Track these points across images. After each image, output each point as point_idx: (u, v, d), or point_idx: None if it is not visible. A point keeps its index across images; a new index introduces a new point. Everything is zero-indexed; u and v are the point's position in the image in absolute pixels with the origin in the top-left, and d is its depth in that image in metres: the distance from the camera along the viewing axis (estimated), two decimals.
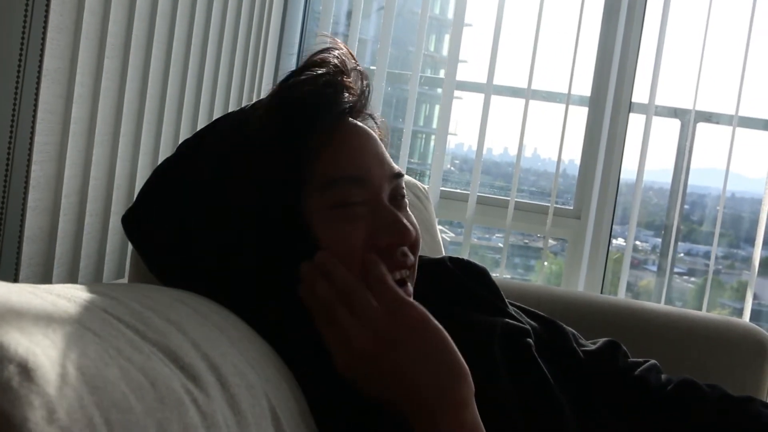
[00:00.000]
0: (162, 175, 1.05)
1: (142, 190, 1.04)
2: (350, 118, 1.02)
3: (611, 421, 1.16)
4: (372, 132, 1.03)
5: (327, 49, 1.03)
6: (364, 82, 1.04)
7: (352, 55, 1.05)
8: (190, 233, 0.97)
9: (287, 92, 0.99)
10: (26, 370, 0.42)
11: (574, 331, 1.27)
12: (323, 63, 1.00)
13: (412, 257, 0.99)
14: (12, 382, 0.41)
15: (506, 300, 1.22)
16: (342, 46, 1.05)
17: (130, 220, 1.03)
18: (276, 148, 0.95)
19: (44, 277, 1.37)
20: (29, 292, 0.55)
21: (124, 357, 0.55)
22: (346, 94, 1.00)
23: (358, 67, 1.04)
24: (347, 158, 0.97)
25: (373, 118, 1.08)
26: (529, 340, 1.14)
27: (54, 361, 0.46)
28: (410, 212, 1.04)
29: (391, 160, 1.02)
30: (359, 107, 1.03)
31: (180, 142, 1.07)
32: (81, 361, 0.49)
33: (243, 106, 1.09)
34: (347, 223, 0.94)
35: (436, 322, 0.88)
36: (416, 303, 0.89)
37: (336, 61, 1.01)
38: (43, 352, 0.45)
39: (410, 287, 0.99)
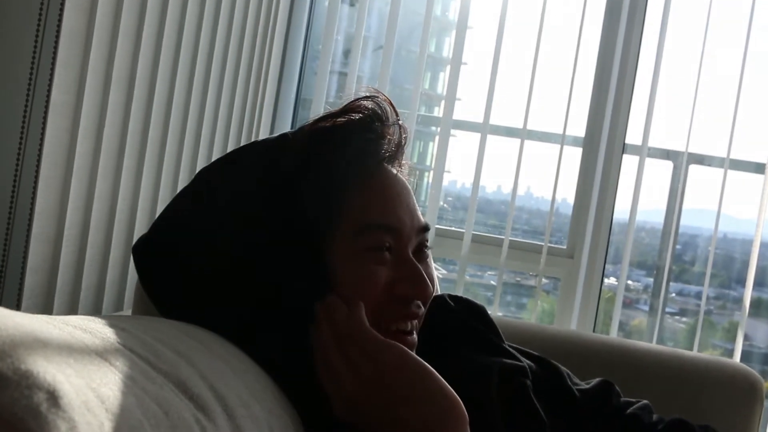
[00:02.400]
0: (178, 204, 1.04)
1: (158, 221, 1.04)
2: (387, 166, 1.04)
3: None
4: (406, 183, 1.05)
5: (369, 97, 1.05)
6: (403, 135, 1.06)
7: (394, 107, 1.06)
8: (205, 266, 0.96)
9: (327, 133, 1.01)
10: (54, 397, 0.44)
11: (568, 370, 1.28)
12: (364, 109, 1.02)
13: (423, 309, 1.01)
14: (41, 408, 0.43)
15: (504, 339, 1.24)
16: (384, 96, 1.07)
17: (141, 250, 1.02)
18: (312, 187, 0.97)
19: (45, 307, 1.39)
20: (47, 323, 0.57)
21: (138, 386, 0.57)
22: (385, 143, 1.02)
23: (399, 121, 1.05)
24: (384, 206, 0.99)
25: (405, 167, 1.09)
26: (525, 380, 1.15)
27: (77, 388, 0.48)
28: (430, 263, 1.06)
29: (419, 213, 1.05)
30: (396, 157, 1.05)
31: (198, 171, 1.07)
32: (101, 390, 0.51)
33: (263, 138, 1.09)
34: (375, 265, 0.96)
35: (420, 361, 0.89)
36: (397, 344, 0.90)
37: (378, 109, 1.03)
38: (68, 380, 0.47)
39: (415, 337, 1.00)
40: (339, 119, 1.01)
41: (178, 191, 1.09)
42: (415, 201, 1.05)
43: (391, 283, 0.97)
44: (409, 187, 1.06)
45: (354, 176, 0.98)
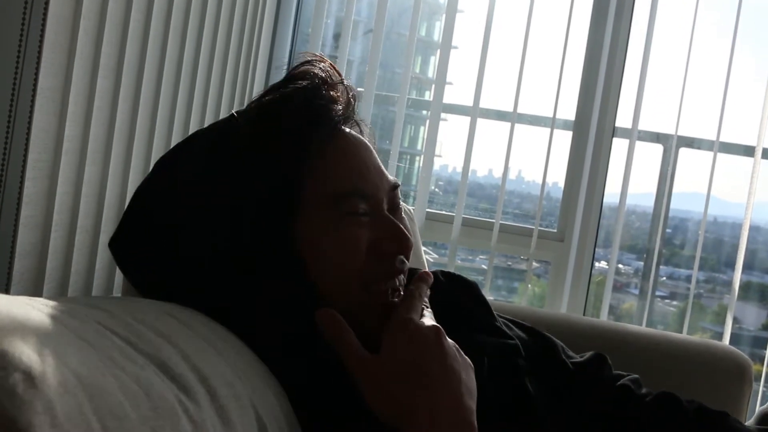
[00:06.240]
0: (143, 194, 1.04)
1: (126, 211, 1.04)
2: (344, 128, 1.02)
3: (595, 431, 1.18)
4: (367, 143, 1.04)
5: (309, 62, 1.03)
6: (351, 93, 1.05)
7: (335, 68, 1.05)
8: (175, 249, 0.96)
9: (276, 104, 0.99)
10: (30, 377, 0.44)
11: (562, 343, 1.28)
12: (307, 75, 1.01)
13: (407, 264, 1.01)
14: (17, 389, 0.43)
15: (495, 313, 1.24)
16: (325, 59, 1.05)
17: (116, 241, 1.03)
18: (269, 161, 0.95)
19: (35, 292, 1.38)
20: (27, 304, 0.57)
21: (119, 367, 0.57)
22: (336, 105, 1.00)
23: (343, 80, 1.05)
24: (353, 172, 0.98)
25: (361, 125, 1.08)
26: (518, 359, 1.15)
27: (55, 369, 0.48)
28: (403, 216, 1.06)
29: (387, 172, 1.04)
30: (349, 118, 1.04)
31: (156, 160, 1.07)
32: (79, 370, 0.51)
33: (217, 121, 1.08)
34: (356, 228, 0.96)
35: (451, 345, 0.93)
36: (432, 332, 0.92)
37: (321, 73, 1.01)
38: (45, 360, 0.47)
39: (402, 293, 1.01)
40: (286, 89, 0.99)
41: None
42: (380, 161, 1.04)
43: (372, 243, 0.97)
44: (370, 145, 1.05)
45: (313, 143, 0.96)
